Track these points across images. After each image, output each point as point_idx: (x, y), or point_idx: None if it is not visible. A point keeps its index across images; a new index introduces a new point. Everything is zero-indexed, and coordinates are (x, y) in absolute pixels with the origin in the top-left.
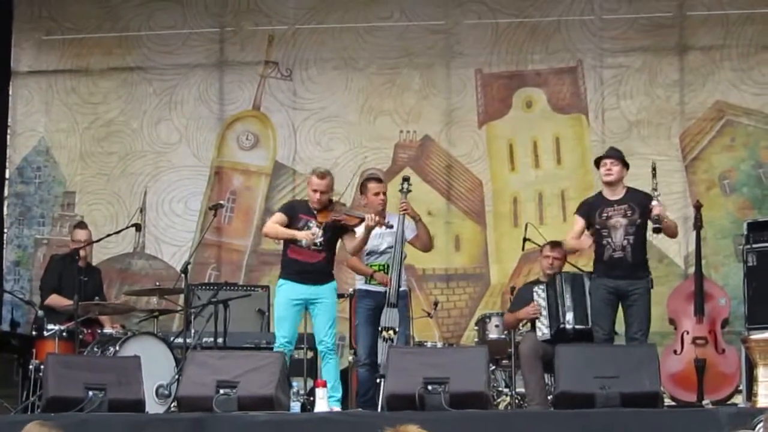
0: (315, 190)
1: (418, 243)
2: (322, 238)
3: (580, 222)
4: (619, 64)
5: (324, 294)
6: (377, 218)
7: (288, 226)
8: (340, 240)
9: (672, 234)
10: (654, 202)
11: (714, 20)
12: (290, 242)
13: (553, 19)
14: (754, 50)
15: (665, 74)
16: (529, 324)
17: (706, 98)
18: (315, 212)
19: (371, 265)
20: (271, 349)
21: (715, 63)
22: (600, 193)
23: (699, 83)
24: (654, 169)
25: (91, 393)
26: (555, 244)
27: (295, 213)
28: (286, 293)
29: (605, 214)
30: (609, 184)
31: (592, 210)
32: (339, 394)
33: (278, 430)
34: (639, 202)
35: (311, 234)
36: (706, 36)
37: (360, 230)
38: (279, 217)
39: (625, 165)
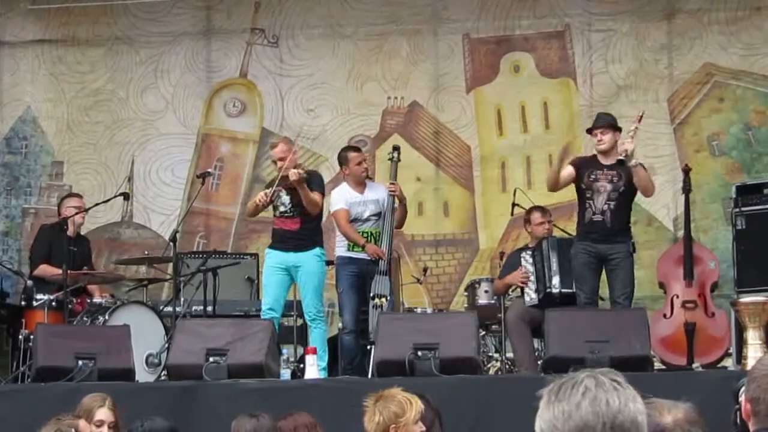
0: (273, 161)
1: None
2: (291, 205)
3: (568, 168)
4: (607, 28)
5: (305, 261)
6: (292, 170)
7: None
8: None
9: (643, 187)
10: (627, 139)
11: None
12: (274, 213)
13: None
14: (742, 12)
15: (653, 38)
16: (519, 289)
17: (694, 61)
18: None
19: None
20: (261, 316)
21: (703, 26)
22: (595, 155)
23: (687, 46)
24: (641, 116)
25: (80, 362)
26: (543, 210)
27: (272, 185)
28: (270, 260)
29: (593, 176)
30: (603, 152)
31: (583, 167)
32: (324, 363)
33: (268, 398)
34: (628, 170)
35: (262, 194)
36: None
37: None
38: (259, 194)
39: (617, 129)
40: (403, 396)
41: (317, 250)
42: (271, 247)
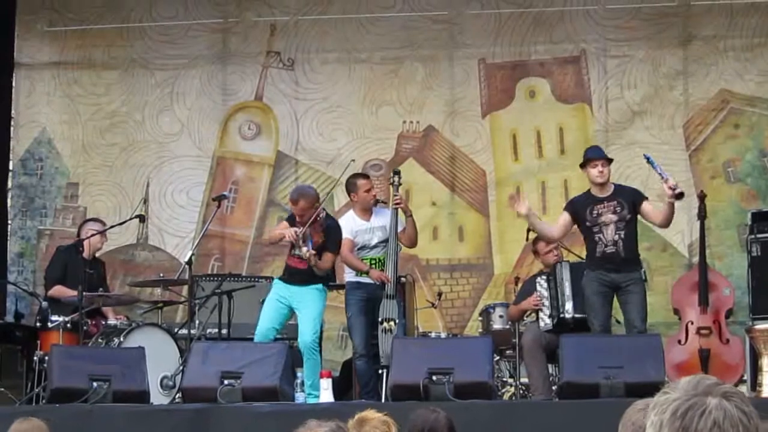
0: (295, 214)
1: (403, 238)
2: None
3: (564, 215)
4: (622, 54)
5: (306, 294)
6: (305, 255)
7: None
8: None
9: (669, 220)
10: (667, 176)
11: (718, 9)
12: (290, 250)
13: (557, 9)
14: (758, 39)
15: (669, 64)
16: (533, 315)
17: (710, 87)
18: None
19: (363, 260)
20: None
21: (719, 52)
22: (588, 191)
23: (702, 73)
24: (648, 159)
25: (95, 384)
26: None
27: (294, 220)
28: (274, 290)
29: (595, 212)
30: (601, 185)
31: (580, 208)
32: (318, 392)
33: (282, 421)
34: (627, 197)
35: (294, 232)
36: (710, 25)
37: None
38: (282, 224)
39: (610, 162)
40: (380, 419)
41: (319, 285)
42: (279, 278)
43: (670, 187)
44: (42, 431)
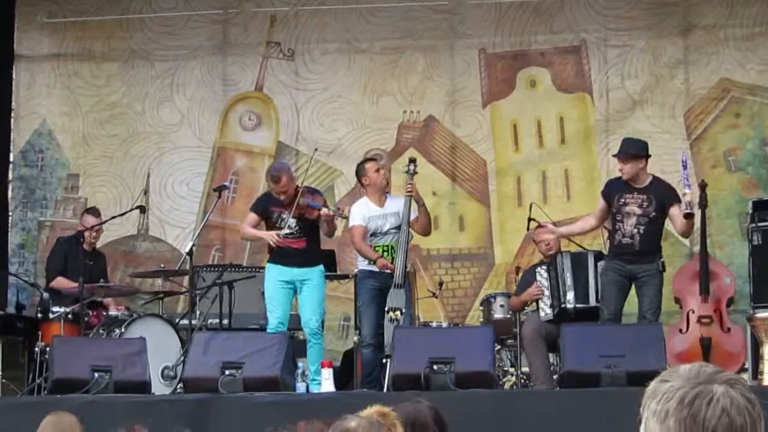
0: (277, 193)
1: (417, 226)
2: (297, 227)
3: (600, 202)
4: (623, 44)
5: (312, 276)
6: (330, 212)
7: (264, 220)
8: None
9: (687, 232)
10: (686, 190)
11: None
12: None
13: None
14: (759, 28)
15: (669, 53)
16: (534, 305)
17: (711, 76)
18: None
19: (375, 246)
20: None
21: (720, 41)
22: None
23: (703, 62)
24: (684, 162)
25: (96, 375)
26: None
27: (267, 207)
28: (274, 275)
29: (622, 200)
30: (628, 179)
31: (612, 192)
32: (319, 378)
33: (283, 411)
34: (658, 195)
35: (275, 235)
36: (710, 14)
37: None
38: (251, 218)
39: (641, 157)
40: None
41: (321, 267)
42: (273, 261)
43: (686, 202)
44: (72, 426)
